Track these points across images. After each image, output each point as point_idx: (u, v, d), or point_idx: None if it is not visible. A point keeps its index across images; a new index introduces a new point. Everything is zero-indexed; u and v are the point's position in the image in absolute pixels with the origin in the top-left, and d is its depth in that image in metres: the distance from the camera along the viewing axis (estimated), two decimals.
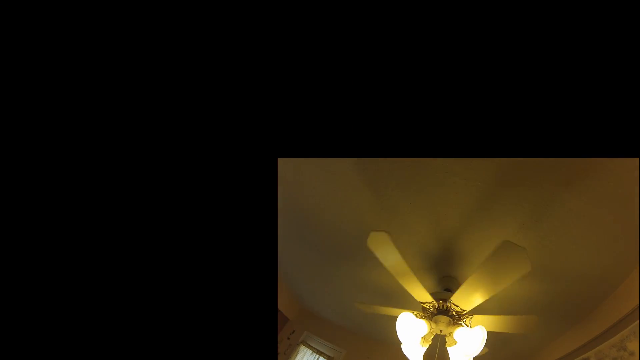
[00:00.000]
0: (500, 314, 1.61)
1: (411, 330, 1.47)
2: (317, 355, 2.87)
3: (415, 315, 1.56)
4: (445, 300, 1.58)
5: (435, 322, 1.57)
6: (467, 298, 1.45)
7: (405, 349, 1.62)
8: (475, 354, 1.46)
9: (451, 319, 1.56)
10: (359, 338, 2.96)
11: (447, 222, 1.56)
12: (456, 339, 1.53)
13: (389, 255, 1.37)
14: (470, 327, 1.53)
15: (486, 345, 1.85)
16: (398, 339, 1.59)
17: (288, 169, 1.66)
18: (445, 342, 1.70)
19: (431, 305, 1.60)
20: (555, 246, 1.54)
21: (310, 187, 1.71)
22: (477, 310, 1.68)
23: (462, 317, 1.58)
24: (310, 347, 2.88)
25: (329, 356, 2.89)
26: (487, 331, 1.64)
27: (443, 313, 1.57)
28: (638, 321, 1.58)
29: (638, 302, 1.59)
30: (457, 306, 1.51)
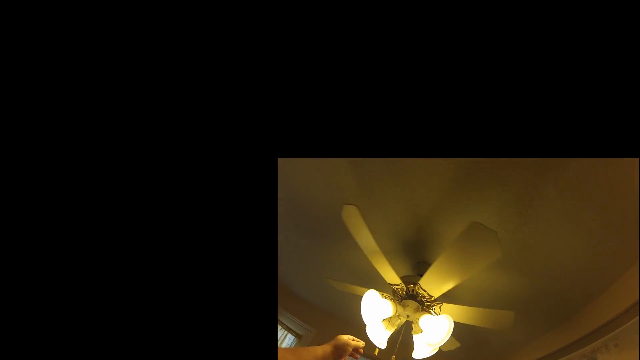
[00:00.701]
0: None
1: (375, 310, 1.40)
2: (286, 332, 2.83)
3: (382, 295, 1.49)
4: (415, 283, 1.50)
5: (403, 306, 1.50)
6: (435, 283, 1.38)
7: (369, 330, 1.55)
8: (440, 343, 1.39)
9: (419, 305, 1.49)
10: (331, 318, 2.91)
11: (425, 208, 1.52)
12: (421, 327, 1.46)
13: (359, 231, 1.32)
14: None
15: (460, 341, 1.80)
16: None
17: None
18: (412, 329, 1.64)
19: (400, 288, 1.53)
20: (537, 242, 1.48)
21: (287, 166, 1.64)
22: (450, 300, 1.61)
23: (431, 304, 1.51)
24: (280, 322, 2.84)
25: (297, 334, 2.85)
26: (460, 323, 1.58)
27: (412, 297, 1.50)
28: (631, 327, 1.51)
29: (613, 316, 1.55)
30: (425, 291, 1.44)
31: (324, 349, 0.86)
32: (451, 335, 1.30)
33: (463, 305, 1.51)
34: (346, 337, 0.94)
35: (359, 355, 0.99)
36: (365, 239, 1.33)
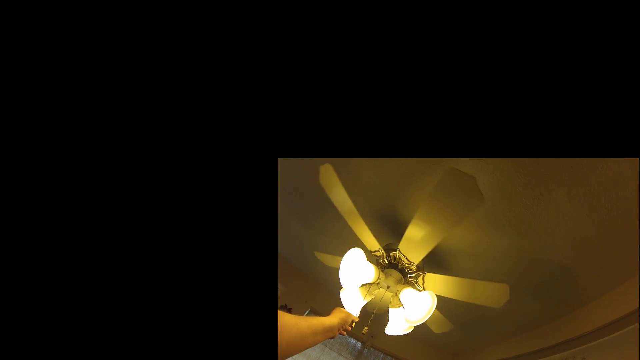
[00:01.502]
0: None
1: (356, 271, 1.25)
2: None
3: (368, 257, 1.33)
4: (396, 250, 1.35)
5: (385, 274, 1.35)
6: (413, 245, 1.22)
7: (344, 295, 1.41)
8: (419, 321, 1.25)
9: (402, 277, 1.34)
10: (301, 277, 2.79)
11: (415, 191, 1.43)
12: (401, 301, 1.32)
13: (335, 190, 1.23)
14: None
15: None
16: (340, 288, 1.38)
17: None
18: (390, 302, 1.51)
19: (381, 255, 1.38)
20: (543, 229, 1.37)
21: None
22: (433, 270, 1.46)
23: (414, 275, 1.36)
24: None
25: None
26: (446, 298, 1.43)
27: (394, 267, 1.35)
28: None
29: (588, 330, 1.56)
30: (404, 257, 1.29)
31: (331, 320, 0.88)
32: (443, 315, 1.18)
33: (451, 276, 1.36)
34: (345, 310, 0.97)
35: (350, 328, 1.00)
36: (341, 198, 1.23)
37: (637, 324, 1.30)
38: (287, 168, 1.79)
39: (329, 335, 0.87)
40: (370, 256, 1.42)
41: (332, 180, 1.19)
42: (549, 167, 1.12)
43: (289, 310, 2.65)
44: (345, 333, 0.98)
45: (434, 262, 1.76)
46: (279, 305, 2.64)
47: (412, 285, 1.37)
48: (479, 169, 1.22)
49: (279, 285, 2.69)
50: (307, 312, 2.64)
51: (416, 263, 1.31)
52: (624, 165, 1.03)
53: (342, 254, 1.30)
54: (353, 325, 1.00)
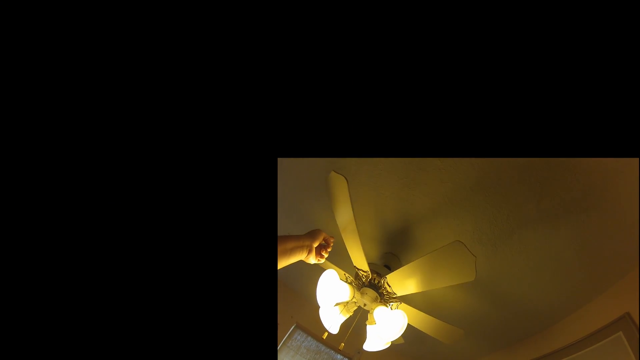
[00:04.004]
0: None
1: (331, 291, 1.32)
2: None
3: (342, 278, 1.40)
4: (381, 275, 1.43)
5: (362, 293, 1.42)
6: (402, 283, 1.34)
7: (322, 312, 1.48)
8: (392, 338, 1.33)
9: (378, 296, 1.42)
10: (287, 291, 2.84)
11: (414, 206, 1.51)
12: (375, 318, 1.39)
13: (341, 202, 1.24)
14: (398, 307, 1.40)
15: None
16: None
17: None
18: (367, 319, 1.58)
19: (365, 275, 1.45)
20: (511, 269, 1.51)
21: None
22: (410, 303, 1.56)
23: (390, 300, 1.44)
24: None
25: None
26: (413, 327, 1.53)
27: (373, 287, 1.42)
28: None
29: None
30: (389, 286, 1.37)
31: (300, 236, 0.86)
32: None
33: (419, 310, 1.48)
34: (320, 230, 0.92)
35: (330, 249, 0.95)
36: (346, 213, 1.24)
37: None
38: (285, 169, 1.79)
39: (299, 250, 0.83)
40: (356, 272, 1.50)
41: (343, 195, 1.19)
42: (515, 184, 1.22)
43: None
44: (323, 257, 0.93)
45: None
46: None
47: (386, 303, 1.45)
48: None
49: None
50: (292, 327, 2.68)
51: (368, 270, 1.42)
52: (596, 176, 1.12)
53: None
54: (331, 243, 0.94)
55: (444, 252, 1.09)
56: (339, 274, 1.45)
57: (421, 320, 1.52)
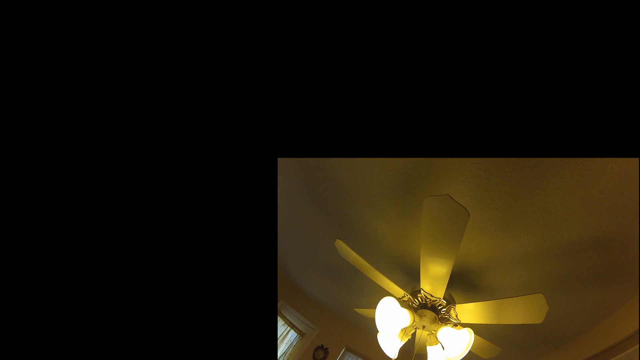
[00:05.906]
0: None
1: (392, 319, 1.31)
2: (289, 328, 2.76)
3: (400, 303, 1.39)
4: (450, 303, 1.43)
5: (420, 315, 1.40)
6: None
7: (382, 339, 1.46)
8: (459, 357, 1.29)
9: (436, 315, 1.39)
10: (335, 318, 2.82)
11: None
12: (439, 339, 1.36)
13: (351, 257, 1.44)
14: (456, 326, 1.37)
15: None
16: (375, 326, 1.44)
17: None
18: (427, 340, 1.55)
19: (409, 300, 1.44)
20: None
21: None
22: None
23: (445, 310, 1.41)
24: (283, 317, 2.76)
25: (300, 331, 2.78)
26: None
27: (431, 309, 1.40)
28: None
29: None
30: (430, 295, 1.37)
31: None
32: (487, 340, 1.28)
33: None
34: None
35: None
36: (360, 262, 1.43)
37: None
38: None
39: None
40: (401, 302, 1.47)
41: (346, 251, 1.42)
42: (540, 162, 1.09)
43: (326, 350, 2.66)
44: None
45: (464, 288, 1.78)
46: (315, 345, 2.66)
47: (448, 322, 1.42)
48: (474, 172, 1.23)
49: (314, 327, 2.72)
50: (342, 350, 2.64)
51: (441, 297, 1.37)
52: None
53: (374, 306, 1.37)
54: None
55: (426, 221, 1.03)
56: (391, 289, 1.47)
57: (487, 311, 1.40)
